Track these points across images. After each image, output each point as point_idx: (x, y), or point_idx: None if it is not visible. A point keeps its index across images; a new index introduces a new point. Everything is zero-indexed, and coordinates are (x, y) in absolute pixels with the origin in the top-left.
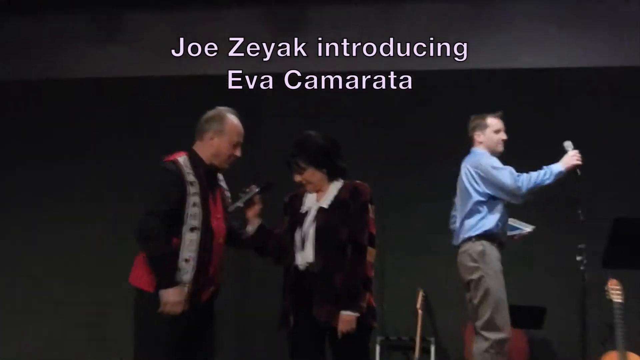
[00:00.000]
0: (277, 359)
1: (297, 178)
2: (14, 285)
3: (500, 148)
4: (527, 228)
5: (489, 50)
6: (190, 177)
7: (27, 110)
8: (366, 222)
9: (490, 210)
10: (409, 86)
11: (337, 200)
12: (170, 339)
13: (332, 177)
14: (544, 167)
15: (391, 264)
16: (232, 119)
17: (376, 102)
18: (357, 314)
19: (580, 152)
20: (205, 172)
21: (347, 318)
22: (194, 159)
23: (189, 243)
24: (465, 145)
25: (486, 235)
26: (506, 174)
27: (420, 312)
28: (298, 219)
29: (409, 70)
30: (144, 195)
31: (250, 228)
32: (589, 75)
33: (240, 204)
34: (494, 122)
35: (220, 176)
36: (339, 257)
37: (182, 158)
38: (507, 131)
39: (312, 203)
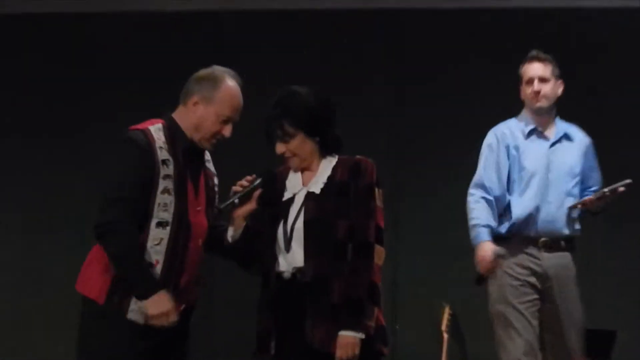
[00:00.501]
0: None
1: (281, 149)
2: None
3: (536, 104)
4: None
5: None
6: (164, 154)
7: None
8: (372, 211)
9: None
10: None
11: (332, 183)
12: None
13: (324, 151)
14: (478, 225)
15: (406, 270)
16: (230, 85)
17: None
18: (361, 335)
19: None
20: (186, 149)
21: (349, 340)
22: (172, 130)
23: (156, 242)
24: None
25: None
26: (478, 170)
27: (445, 335)
28: (279, 209)
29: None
30: (102, 178)
31: (232, 232)
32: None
33: (236, 199)
34: (522, 70)
35: (207, 156)
36: (336, 260)
37: (155, 127)
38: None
39: (297, 187)
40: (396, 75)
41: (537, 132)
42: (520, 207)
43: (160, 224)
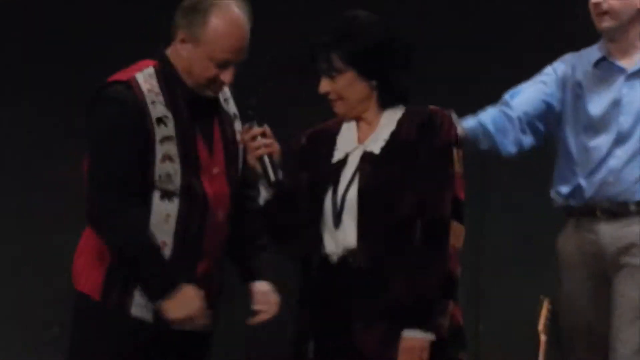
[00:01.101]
0: None
1: (325, 87)
2: None
3: (601, 24)
4: None
5: None
6: (159, 109)
7: None
8: (449, 180)
9: None
10: None
11: (396, 141)
12: None
13: (385, 100)
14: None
15: (491, 257)
16: (224, 19)
17: None
18: (431, 337)
19: None
20: (190, 97)
21: (415, 343)
22: (168, 75)
23: (162, 218)
24: None
25: None
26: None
27: (543, 337)
28: (327, 174)
29: None
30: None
31: (265, 193)
32: None
33: (277, 171)
34: None
35: (225, 94)
36: (400, 242)
37: (144, 74)
38: None
39: (351, 145)
40: None
41: (607, 63)
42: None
43: (166, 195)
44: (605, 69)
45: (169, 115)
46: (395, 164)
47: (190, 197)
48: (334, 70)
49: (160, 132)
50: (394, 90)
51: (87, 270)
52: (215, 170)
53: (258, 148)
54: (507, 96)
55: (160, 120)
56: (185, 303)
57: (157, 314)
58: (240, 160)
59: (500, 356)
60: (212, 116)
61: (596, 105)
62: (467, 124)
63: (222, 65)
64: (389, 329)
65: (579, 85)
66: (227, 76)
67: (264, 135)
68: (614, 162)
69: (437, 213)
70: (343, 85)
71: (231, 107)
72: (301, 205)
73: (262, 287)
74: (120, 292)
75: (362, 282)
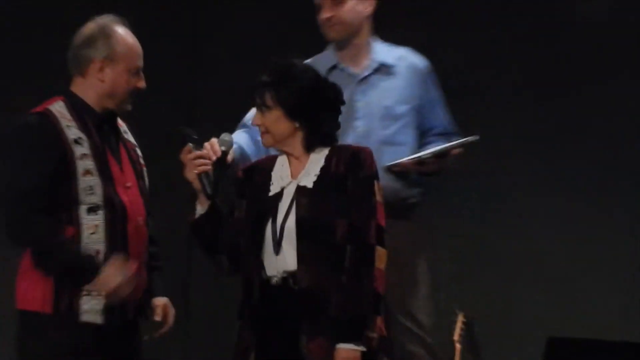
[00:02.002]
0: None
1: (257, 119)
2: None
3: (330, 34)
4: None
5: None
6: (74, 132)
7: None
8: (373, 209)
9: None
10: None
11: (326, 175)
12: None
13: (310, 141)
14: None
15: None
16: (123, 32)
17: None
18: (362, 348)
19: None
20: (97, 123)
21: (348, 354)
22: (77, 106)
23: (92, 230)
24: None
25: None
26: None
27: (458, 346)
28: (264, 206)
29: None
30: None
31: (199, 208)
32: None
33: (213, 180)
34: None
35: (123, 127)
36: (335, 266)
37: (56, 106)
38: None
39: (285, 179)
40: None
41: (338, 70)
42: None
43: (92, 210)
44: (338, 76)
45: (83, 136)
46: (328, 196)
47: (112, 207)
48: (264, 106)
49: (78, 150)
50: (317, 132)
51: (33, 288)
52: (128, 184)
53: (198, 165)
54: (245, 119)
55: (76, 141)
56: (111, 274)
57: (106, 315)
58: (146, 178)
59: None
60: (117, 141)
61: None
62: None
63: (137, 73)
64: (329, 343)
65: None
66: (141, 82)
67: (201, 156)
68: None
69: (365, 239)
70: (271, 121)
71: (131, 138)
72: (239, 228)
73: (161, 302)
74: (69, 302)
75: (301, 301)
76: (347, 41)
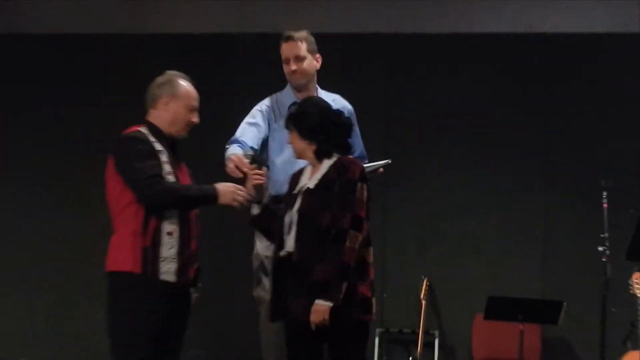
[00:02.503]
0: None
1: (288, 139)
2: None
3: (295, 81)
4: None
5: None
6: (158, 146)
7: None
8: (350, 203)
9: None
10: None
11: (324, 180)
12: (155, 322)
13: (321, 155)
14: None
15: (393, 251)
16: (183, 81)
17: (380, 65)
18: (329, 304)
19: (614, 130)
20: (168, 143)
21: (318, 308)
22: (153, 130)
23: (170, 214)
24: (477, 121)
25: None
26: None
27: (424, 302)
28: (290, 200)
29: (421, 33)
30: (123, 171)
31: (255, 209)
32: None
33: (268, 193)
34: (281, 50)
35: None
36: (319, 246)
37: (142, 129)
38: (523, 95)
39: (304, 182)
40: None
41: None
42: (275, 173)
43: None
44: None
45: (163, 149)
46: (319, 195)
47: None
48: (289, 129)
49: (162, 157)
50: (325, 150)
51: (125, 253)
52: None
53: (257, 179)
54: (237, 136)
55: (159, 151)
56: (226, 189)
57: (177, 276)
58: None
59: (398, 314)
60: (179, 159)
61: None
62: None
63: (192, 110)
64: (306, 302)
65: (279, 124)
66: (195, 117)
67: (261, 174)
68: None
69: (339, 226)
70: (292, 140)
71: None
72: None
73: None
74: (153, 266)
75: (292, 271)
76: (303, 85)
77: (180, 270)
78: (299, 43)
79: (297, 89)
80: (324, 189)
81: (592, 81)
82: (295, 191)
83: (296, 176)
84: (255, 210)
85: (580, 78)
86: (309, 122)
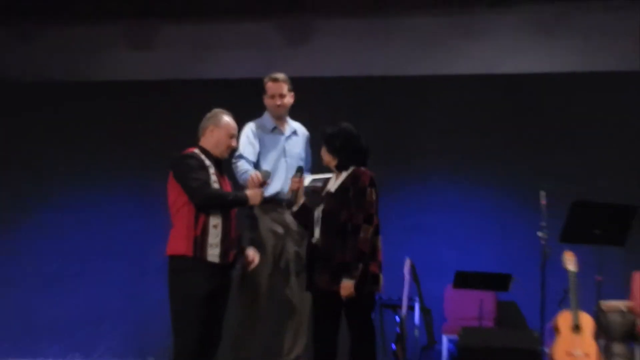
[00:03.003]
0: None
1: (322, 151)
2: (50, 256)
3: (279, 112)
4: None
5: (474, 57)
6: (207, 162)
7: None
8: (362, 204)
9: None
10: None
11: (342, 186)
12: (203, 295)
13: (340, 167)
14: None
15: (386, 238)
16: (226, 116)
17: (372, 104)
18: (353, 281)
19: (548, 149)
20: (215, 161)
21: (345, 285)
22: (204, 151)
23: (215, 212)
24: (451, 145)
25: None
26: (240, 147)
27: (407, 277)
28: (320, 200)
29: (401, 76)
30: (180, 180)
31: (295, 206)
32: (565, 79)
33: (318, 182)
34: (267, 87)
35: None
36: (338, 237)
37: (195, 150)
38: (492, 133)
39: (330, 187)
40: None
41: (277, 130)
42: (272, 182)
43: None
44: (277, 133)
45: (211, 165)
46: (339, 197)
47: None
48: (322, 145)
49: (211, 171)
50: (345, 163)
51: (182, 241)
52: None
53: (295, 184)
54: (241, 152)
55: (208, 166)
56: (254, 194)
57: (220, 258)
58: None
59: (388, 287)
60: (222, 173)
61: (272, 151)
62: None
63: (232, 137)
64: (330, 278)
65: (263, 142)
66: (234, 142)
67: (300, 181)
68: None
69: (354, 222)
70: (323, 152)
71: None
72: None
73: (250, 250)
74: (201, 250)
75: (320, 255)
76: (282, 116)
77: (223, 254)
78: (283, 84)
79: (277, 118)
80: (342, 193)
81: (533, 112)
82: (323, 194)
83: (325, 183)
84: (295, 208)
85: (528, 111)
86: (335, 144)
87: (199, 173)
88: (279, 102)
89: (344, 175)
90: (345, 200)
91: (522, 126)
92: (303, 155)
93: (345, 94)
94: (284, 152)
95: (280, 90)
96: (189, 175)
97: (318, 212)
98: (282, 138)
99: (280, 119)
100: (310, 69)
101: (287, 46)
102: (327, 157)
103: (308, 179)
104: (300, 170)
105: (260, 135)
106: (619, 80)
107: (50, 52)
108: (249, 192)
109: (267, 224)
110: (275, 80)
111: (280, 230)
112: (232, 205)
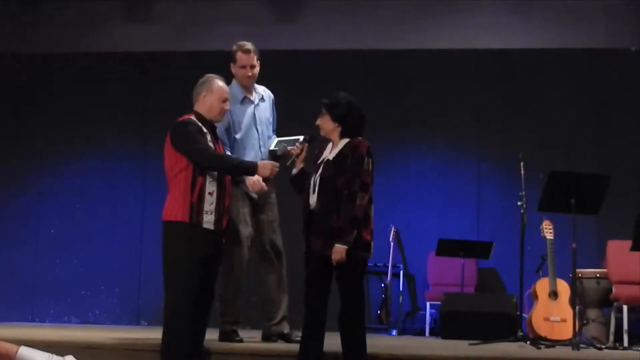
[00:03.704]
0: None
1: (318, 121)
2: (48, 221)
3: (249, 82)
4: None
5: (455, 33)
6: (204, 130)
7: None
8: (358, 172)
9: None
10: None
11: (340, 154)
12: (198, 260)
13: (344, 134)
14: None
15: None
16: (218, 80)
17: (357, 77)
18: (345, 246)
19: (525, 121)
20: (209, 126)
21: (337, 249)
22: (199, 117)
23: (211, 179)
24: (432, 116)
25: None
26: None
27: (392, 244)
28: (315, 167)
29: (385, 49)
30: (182, 145)
31: (295, 170)
32: (537, 56)
33: (284, 144)
34: (237, 57)
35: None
36: (334, 202)
37: (191, 116)
38: (473, 105)
39: (326, 154)
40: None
41: (247, 99)
42: (236, 147)
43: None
44: (247, 102)
45: (207, 131)
46: (336, 164)
47: None
48: (322, 113)
49: (207, 137)
50: (348, 131)
51: (178, 207)
52: None
53: (297, 150)
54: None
55: (205, 132)
56: (265, 165)
57: (214, 224)
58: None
59: (374, 254)
60: (217, 137)
61: (243, 121)
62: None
63: (225, 101)
64: (325, 242)
65: (234, 112)
66: (227, 105)
67: (304, 148)
68: (263, 150)
69: (350, 188)
70: (323, 122)
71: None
72: (308, 178)
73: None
74: (197, 217)
75: (317, 218)
76: (250, 85)
77: (217, 221)
78: (254, 55)
79: (244, 86)
80: (340, 160)
81: (510, 88)
82: (319, 161)
83: (320, 150)
84: (295, 171)
85: (506, 85)
86: (340, 111)
87: (199, 136)
88: (249, 73)
89: (342, 143)
90: (342, 168)
91: (501, 98)
92: (271, 119)
93: (332, 66)
94: (254, 121)
95: (251, 61)
96: (191, 138)
97: (315, 179)
98: (252, 107)
99: (248, 88)
100: (298, 43)
101: (277, 21)
102: (329, 125)
103: (275, 141)
104: (306, 139)
105: (230, 107)
106: (587, 57)
107: (53, 25)
108: (260, 163)
109: (240, 216)
110: (247, 51)
111: (250, 220)
112: (235, 170)
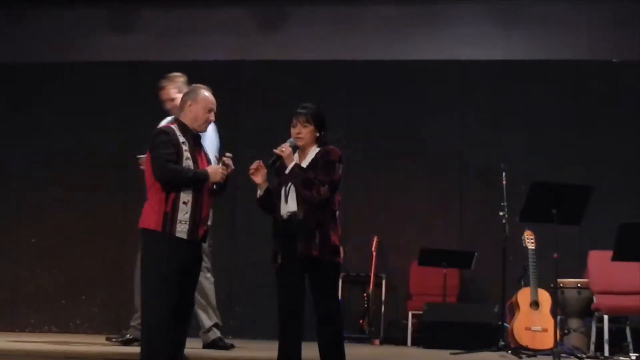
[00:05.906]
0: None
1: (297, 130)
2: (28, 230)
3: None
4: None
5: (434, 44)
6: (182, 138)
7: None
8: (328, 173)
9: None
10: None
11: (312, 161)
12: (172, 269)
13: (318, 142)
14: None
15: (353, 216)
16: (204, 90)
17: (340, 87)
18: (296, 163)
19: (509, 132)
20: (191, 136)
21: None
22: (181, 126)
23: (186, 188)
24: (414, 126)
25: None
26: None
27: (374, 253)
28: (284, 177)
29: (369, 60)
30: (150, 155)
31: (260, 192)
32: (520, 67)
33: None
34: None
35: (203, 140)
36: (313, 207)
37: (173, 126)
38: (455, 115)
39: (300, 163)
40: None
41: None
42: None
43: None
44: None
45: (186, 141)
46: (310, 171)
47: None
48: (306, 122)
49: (184, 147)
50: (322, 139)
51: (153, 216)
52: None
53: (282, 150)
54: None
55: (183, 143)
56: (213, 171)
57: (188, 234)
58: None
59: (356, 263)
60: (200, 148)
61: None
62: None
63: (210, 111)
64: (308, 242)
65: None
66: (212, 116)
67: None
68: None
69: (321, 179)
70: (306, 132)
71: (205, 146)
72: (275, 192)
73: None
74: (170, 225)
75: (298, 227)
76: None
77: (191, 230)
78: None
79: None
80: (312, 167)
81: (494, 99)
82: (287, 172)
83: (281, 164)
84: (259, 193)
85: (489, 96)
86: (323, 120)
87: (166, 149)
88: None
89: (314, 151)
90: (314, 172)
91: (484, 109)
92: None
93: (317, 76)
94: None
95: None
96: (155, 151)
97: (287, 188)
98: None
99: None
100: (283, 53)
101: (260, 31)
102: (311, 135)
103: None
104: (274, 162)
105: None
106: (571, 68)
107: (36, 35)
108: (209, 169)
109: None
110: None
111: None
112: (191, 182)
